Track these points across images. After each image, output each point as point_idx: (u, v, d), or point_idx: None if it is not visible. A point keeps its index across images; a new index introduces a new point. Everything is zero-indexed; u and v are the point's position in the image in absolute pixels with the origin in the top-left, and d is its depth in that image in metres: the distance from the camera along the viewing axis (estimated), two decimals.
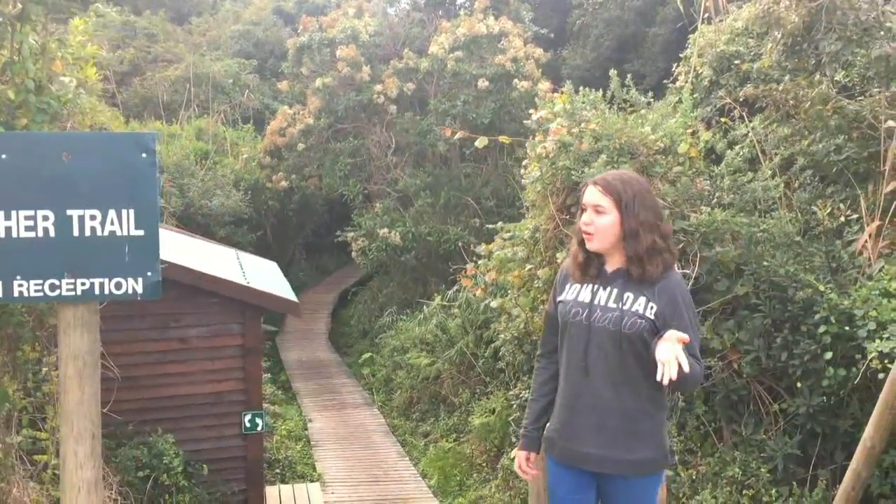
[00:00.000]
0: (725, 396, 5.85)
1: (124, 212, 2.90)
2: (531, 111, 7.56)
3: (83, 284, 2.90)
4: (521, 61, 16.43)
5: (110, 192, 2.89)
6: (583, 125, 6.75)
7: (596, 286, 2.95)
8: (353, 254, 17.27)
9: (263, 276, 8.32)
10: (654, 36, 19.97)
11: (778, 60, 7.53)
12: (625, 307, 2.84)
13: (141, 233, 2.93)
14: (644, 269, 2.83)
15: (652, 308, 2.81)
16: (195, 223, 16.51)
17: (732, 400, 5.87)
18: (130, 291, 2.94)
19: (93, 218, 2.88)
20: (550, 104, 7.49)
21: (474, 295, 9.48)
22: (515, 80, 16.15)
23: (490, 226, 8.20)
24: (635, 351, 2.82)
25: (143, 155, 2.95)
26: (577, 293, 2.99)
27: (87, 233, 2.88)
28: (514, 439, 8.94)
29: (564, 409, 3.02)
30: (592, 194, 2.90)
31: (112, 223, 2.90)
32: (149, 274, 2.97)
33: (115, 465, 6.14)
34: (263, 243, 19.08)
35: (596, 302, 2.91)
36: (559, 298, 3.05)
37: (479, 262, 8.14)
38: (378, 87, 16.96)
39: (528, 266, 7.55)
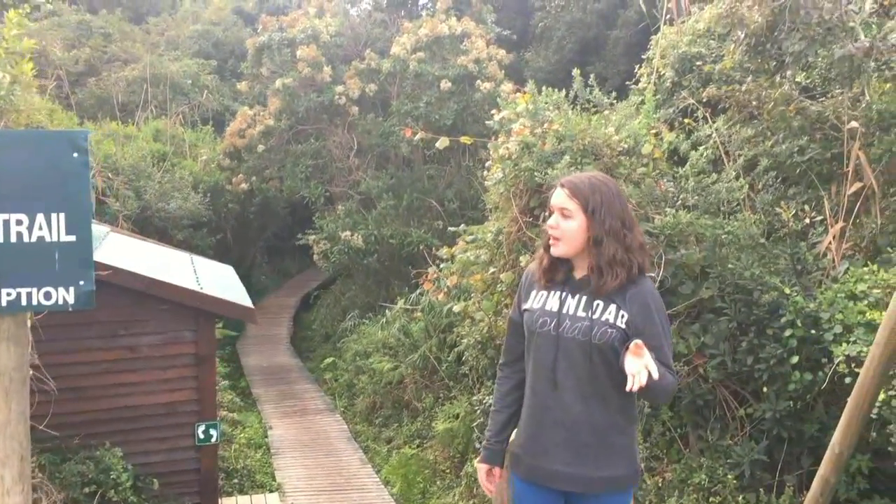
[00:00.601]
0: (691, 401, 5.76)
1: (54, 216, 2.68)
2: (493, 111, 7.42)
3: (9, 295, 2.67)
4: (483, 62, 16.32)
5: (38, 194, 2.67)
6: (546, 125, 6.63)
7: (564, 293, 2.79)
8: (315, 257, 17.03)
9: (218, 280, 8.06)
10: (616, 39, 20.04)
11: (740, 61, 7.49)
12: (595, 316, 2.69)
13: (72, 238, 2.70)
14: (604, 281, 2.68)
15: (623, 316, 2.66)
16: (152, 226, 16.13)
17: (698, 405, 5.78)
18: (61, 302, 2.72)
19: (19, 223, 2.66)
20: (513, 105, 7.36)
21: (436, 299, 9.32)
22: (478, 82, 16.03)
23: (452, 228, 8.05)
24: (606, 362, 2.67)
25: (75, 154, 2.73)
26: (544, 301, 2.82)
27: (13, 239, 2.66)
28: (477, 445, 8.80)
29: (531, 423, 2.85)
30: (559, 197, 2.75)
31: (40, 228, 2.68)
32: (81, 283, 2.75)
33: (59, 481, 5.85)
34: (223, 246, 18.72)
35: (565, 311, 2.76)
36: (525, 306, 2.89)
37: (441, 265, 7.98)
38: (339, 88, 16.74)
39: (492, 269, 7.42)
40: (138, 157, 16.87)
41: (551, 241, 2.76)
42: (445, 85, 15.91)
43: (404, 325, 12.92)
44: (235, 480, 9.76)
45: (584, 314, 2.70)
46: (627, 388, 2.45)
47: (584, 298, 2.74)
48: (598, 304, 2.70)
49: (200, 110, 22.66)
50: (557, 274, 2.82)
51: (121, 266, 6.30)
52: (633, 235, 2.73)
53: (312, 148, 17.44)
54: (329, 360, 15.30)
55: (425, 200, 16.52)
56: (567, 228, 2.72)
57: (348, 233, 15.98)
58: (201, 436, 6.89)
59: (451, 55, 16.45)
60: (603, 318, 2.68)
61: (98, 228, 8.15)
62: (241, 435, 11.51)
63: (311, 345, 17.97)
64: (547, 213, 2.85)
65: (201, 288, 6.96)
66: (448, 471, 9.73)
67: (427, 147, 15.77)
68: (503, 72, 16.81)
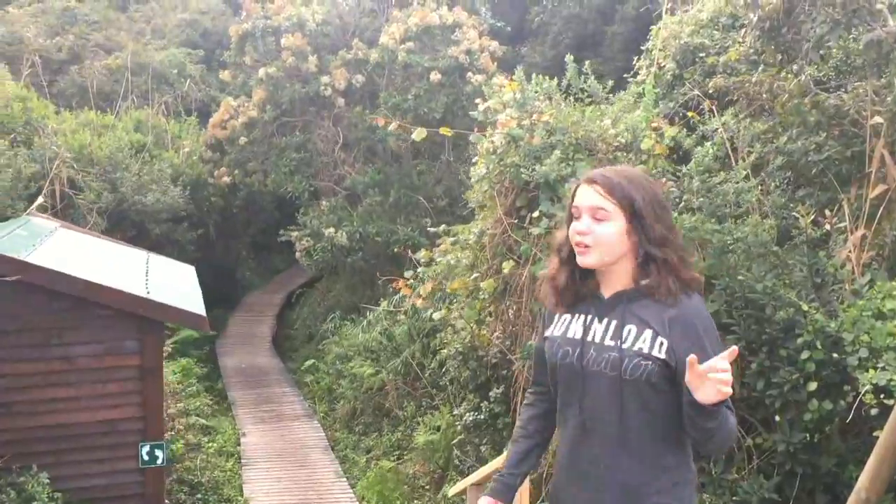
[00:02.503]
0: None
1: None
2: (478, 101, 6.76)
3: None
4: (475, 54, 15.67)
5: None
6: (535, 117, 5.97)
7: (590, 317, 2.21)
8: (297, 254, 16.38)
9: (173, 284, 7.35)
10: (614, 34, 19.51)
11: (748, 52, 6.85)
12: (625, 345, 2.12)
13: None
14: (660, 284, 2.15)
15: (662, 344, 2.09)
16: (129, 220, 15.49)
17: None
18: None
19: None
20: (499, 94, 6.71)
21: (414, 304, 8.67)
22: (469, 74, 15.38)
23: (432, 229, 7.38)
24: (641, 403, 2.10)
25: None
26: (566, 326, 2.27)
27: None
28: (457, 462, 8.17)
29: (561, 469, 2.34)
30: (590, 196, 2.17)
31: None
32: None
33: None
34: (206, 241, 18.05)
35: (589, 338, 2.19)
36: (546, 333, 2.34)
37: (419, 269, 7.33)
38: (325, 79, 16.05)
39: (474, 274, 6.76)
40: (116, 148, 16.18)
41: (578, 250, 2.19)
42: (435, 76, 15.26)
43: (387, 328, 12.28)
44: (199, 495, 9.07)
45: (612, 343, 2.15)
46: (700, 400, 1.92)
47: (614, 322, 2.17)
48: (629, 330, 2.13)
49: (185, 101, 21.97)
50: (568, 294, 2.28)
51: (54, 267, 5.60)
52: (679, 244, 2.20)
53: (297, 141, 16.77)
54: (310, 362, 14.67)
55: (413, 197, 15.85)
56: (602, 235, 2.16)
57: (332, 230, 15.31)
58: (146, 457, 6.18)
59: (442, 46, 15.79)
60: (636, 348, 2.11)
61: (41, 224, 7.46)
62: (212, 444, 10.84)
63: (293, 344, 17.37)
64: (567, 219, 2.24)
65: (149, 292, 6.25)
66: (427, 486, 9.11)
67: (416, 141, 15.10)
68: (496, 64, 16.16)
